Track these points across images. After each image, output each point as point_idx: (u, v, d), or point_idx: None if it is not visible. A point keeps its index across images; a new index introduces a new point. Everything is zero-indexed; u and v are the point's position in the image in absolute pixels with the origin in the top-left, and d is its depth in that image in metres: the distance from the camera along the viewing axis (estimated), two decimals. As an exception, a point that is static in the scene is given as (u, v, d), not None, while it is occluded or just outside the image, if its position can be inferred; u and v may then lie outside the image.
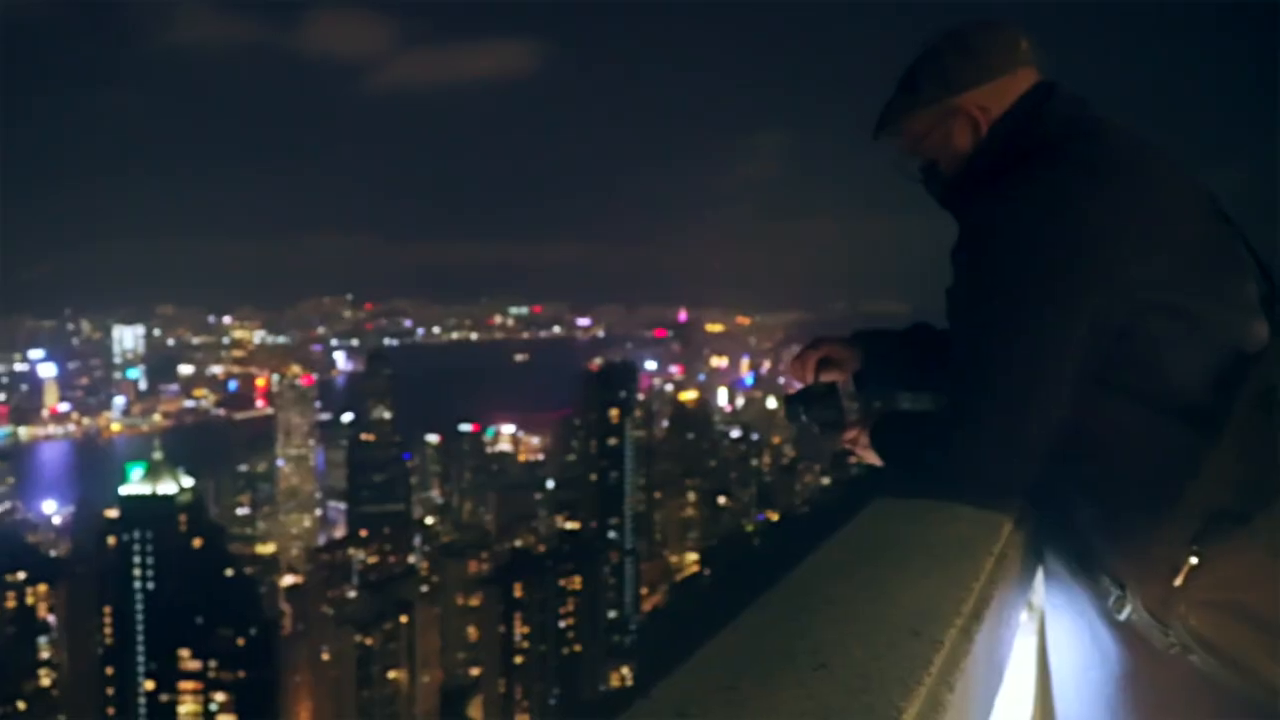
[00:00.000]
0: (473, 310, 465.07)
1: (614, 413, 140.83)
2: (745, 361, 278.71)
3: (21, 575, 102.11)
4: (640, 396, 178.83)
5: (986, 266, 2.20)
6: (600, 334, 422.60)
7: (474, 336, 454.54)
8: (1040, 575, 2.45)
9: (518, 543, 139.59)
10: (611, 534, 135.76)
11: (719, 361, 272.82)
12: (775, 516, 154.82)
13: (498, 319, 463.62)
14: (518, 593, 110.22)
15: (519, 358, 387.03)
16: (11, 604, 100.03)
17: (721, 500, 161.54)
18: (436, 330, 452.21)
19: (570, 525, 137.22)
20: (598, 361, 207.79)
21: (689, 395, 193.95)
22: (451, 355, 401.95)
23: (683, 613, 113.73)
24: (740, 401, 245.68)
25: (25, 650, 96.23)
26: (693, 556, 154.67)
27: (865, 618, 1.54)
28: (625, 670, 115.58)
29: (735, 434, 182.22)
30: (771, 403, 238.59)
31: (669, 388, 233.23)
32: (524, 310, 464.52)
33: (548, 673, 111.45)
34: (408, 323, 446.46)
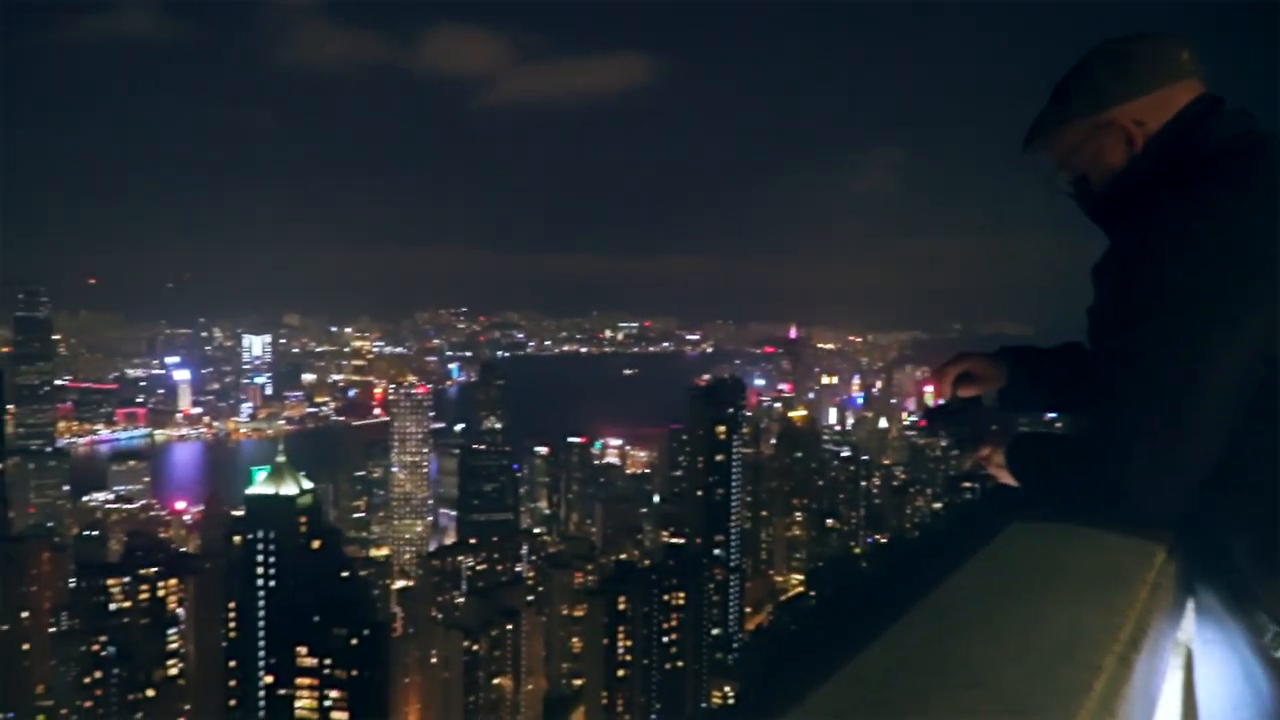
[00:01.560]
0: (583, 324, 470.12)
1: (721, 429, 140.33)
2: (856, 381, 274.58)
3: (154, 569, 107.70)
4: (748, 413, 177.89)
5: (1145, 284, 2.11)
6: (709, 349, 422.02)
7: (584, 350, 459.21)
8: (1190, 608, 2.36)
9: (623, 555, 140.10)
10: (716, 551, 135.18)
11: (829, 380, 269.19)
12: (884, 539, 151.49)
13: (607, 333, 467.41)
14: (622, 605, 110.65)
15: (627, 372, 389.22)
16: (145, 596, 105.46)
17: (829, 521, 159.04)
18: (547, 343, 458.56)
19: (675, 540, 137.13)
20: (706, 377, 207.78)
21: (798, 413, 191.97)
22: (561, 368, 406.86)
23: (787, 633, 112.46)
24: (850, 421, 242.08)
25: (156, 641, 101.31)
26: (798, 577, 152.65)
27: (1015, 639, 1.48)
28: (728, 688, 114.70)
29: (844, 454, 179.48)
30: (883, 423, 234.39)
31: (777, 405, 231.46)
32: (633, 325, 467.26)
33: (650, 686, 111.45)
34: (519, 335, 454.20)
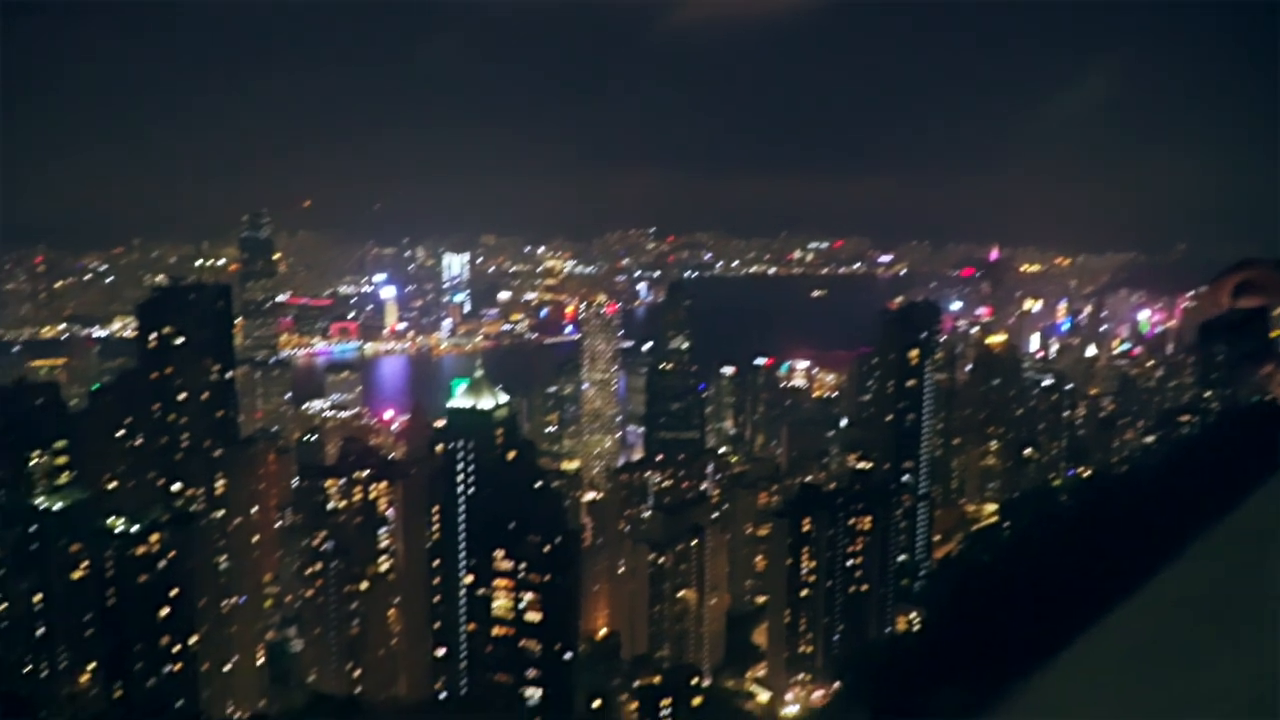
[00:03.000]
0: (772, 245, 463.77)
1: (914, 354, 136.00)
2: (1063, 306, 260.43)
3: (367, 473, 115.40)
4: (942, 338, 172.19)
5: None
6: (902, 272, 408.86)
7: (772, 271, 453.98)
8: None
9: (808, 478, 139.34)
10: (905, 477, 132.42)
11: (1032, 304, 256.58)
12: (1088, 474, 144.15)
13: (797, 254, 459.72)
14: (806, 527, 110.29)
15: (816, 294, 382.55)
16: (358, 497, 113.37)
17: (1027, 452, 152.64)
18: (735, 264, 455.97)
19: (863, 465, 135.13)
20: (899, 300, 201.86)
21: (996, 339, 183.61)
22: (749, 289, 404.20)
23: (978, 564, 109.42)
24: (1054, 348, 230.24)
25: (368, 539, 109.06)
26: (991, 507, 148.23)
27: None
28: (913, 615, 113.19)
29: (1046, 382, 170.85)
30: (1091, 350, 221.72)
31: (974, 330, 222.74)
32: (824, 245, 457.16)
33: (833, 608, 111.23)
34: (707, 256, 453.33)
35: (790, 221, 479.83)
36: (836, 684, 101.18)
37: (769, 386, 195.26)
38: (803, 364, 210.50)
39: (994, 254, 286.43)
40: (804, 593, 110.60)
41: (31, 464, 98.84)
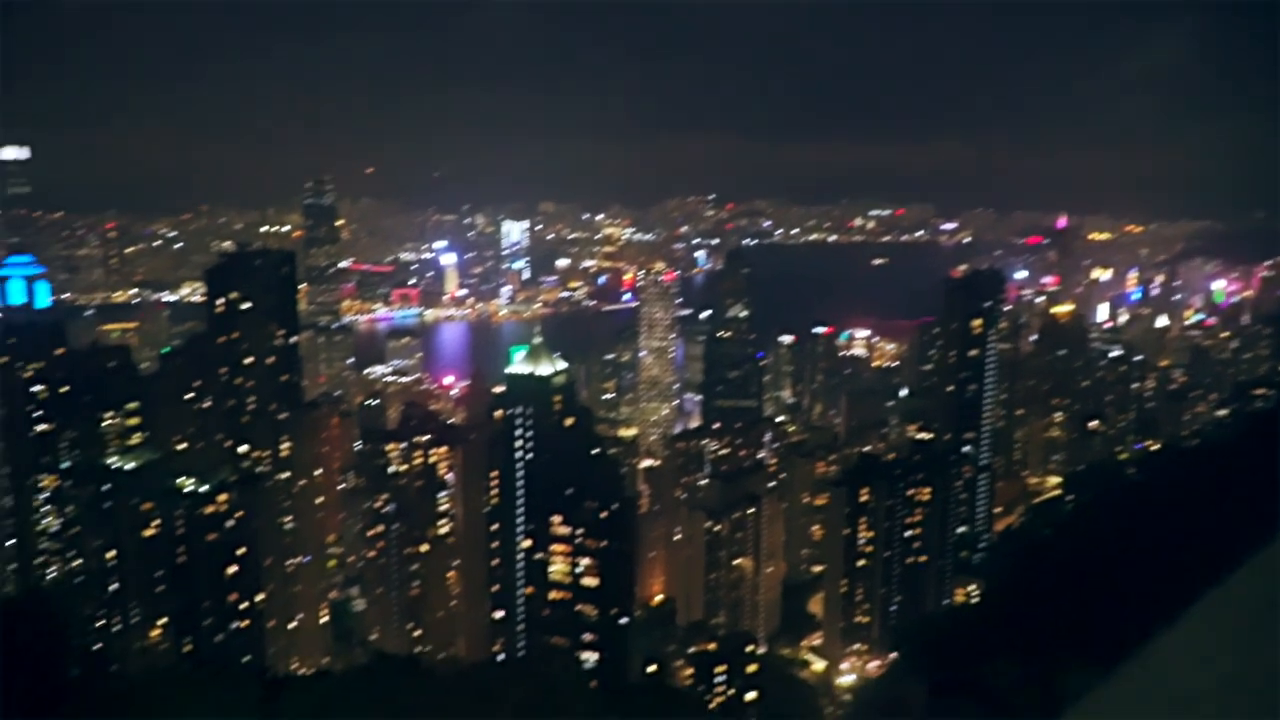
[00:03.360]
0: (832, 212, 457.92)
1: (977, 323, 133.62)
2: (1133, 275, 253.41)
3: (427, 437, 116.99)
4: (1007, 307, 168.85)
5: None
6: (966, 239, 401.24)
7: (832, 239, 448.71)
8: None
9: (867, 448, 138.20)
10: (966, 448, 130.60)
11: (1101, 273, 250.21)
12: (1156, 447, 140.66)
13: (857, 221, 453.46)
14: (864, 497, 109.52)
15: (877, 262, 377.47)
16: (419, 461, 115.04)
17: (1093, 424, 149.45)
18: (795, 231, 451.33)
19: (923, 435, 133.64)
20: (962, 268, 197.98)
21: (1063, 308, 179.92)
22: (809, 257, 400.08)
23: (1040, 537, 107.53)
24: (1123, 318, 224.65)
25: (428, 502, 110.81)
26: (1055, 480, 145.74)
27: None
28: (972, 587, 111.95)
29: (1114, 353, 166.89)
30: (1162, 321, 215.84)
31: (1040, 299, 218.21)
32: (886, 213, 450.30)
33: (890, 579, 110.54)
34: (767, 223, 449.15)
35: (851, 188, 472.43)
36: (893, 655, 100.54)
37: (828, 355, 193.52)
38: (863, 333, 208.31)
39: (1061, 221, 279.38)
40: (861, 563, 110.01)
41: (105, 425, 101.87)
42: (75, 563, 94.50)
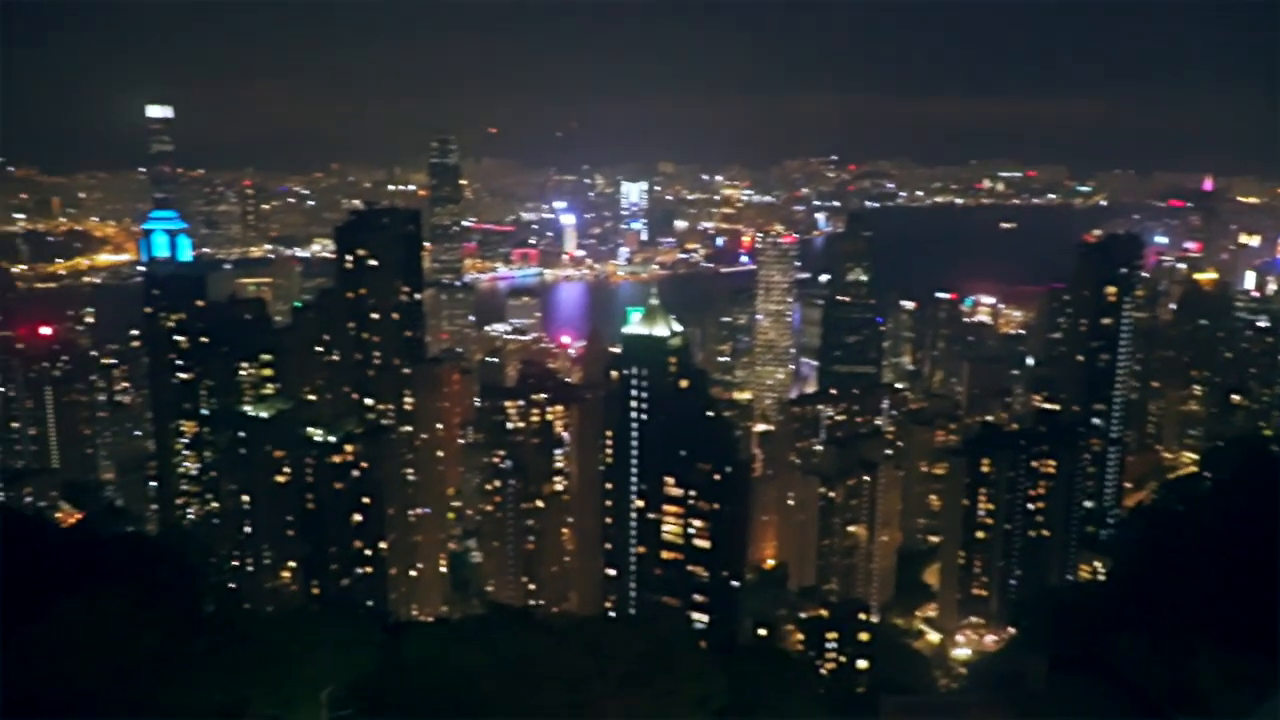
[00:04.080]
0: (959, 173, 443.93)
1: (1111, 290, 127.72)
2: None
3: (544, 396, 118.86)
4: (1144, 274, 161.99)
5: None
6: (1102, 202, 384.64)
7: (959, 201, 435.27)
8: None
9: (989, 417, 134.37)
10: (1095, 420, 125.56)
11: (1249, 239, 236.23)
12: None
13: (986, 183, 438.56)
14: (985, 468, 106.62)
15: (1006, 225, 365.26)
16: (536, 419, 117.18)
17: (1235, 398, 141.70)
18: (919, 193, 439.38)
19: (1049, 406, 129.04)
20: (1097, 232, 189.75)
21: (1206, 275, 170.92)
22: (933, 220, 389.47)
23: (1173, 515, 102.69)
24: (1272, 287, 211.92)
25: (545, 459, 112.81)
26: (1191, 455, 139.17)
27: None
28: (1097, 563, 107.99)
29: (1261, 323, 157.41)
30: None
31: (1181, 266, 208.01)
32: (1016, 174, 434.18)
33: (1010, 552, 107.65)
34: (890, 185, 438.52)
35: (980, 149, 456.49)
36: (1011, 629, 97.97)
37: (951, 322, 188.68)
38: (988, 299, 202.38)
39: (1207, 184, 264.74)
40: (980, 534, 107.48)
41: (241, 375, 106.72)
42: (212, 505, 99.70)
